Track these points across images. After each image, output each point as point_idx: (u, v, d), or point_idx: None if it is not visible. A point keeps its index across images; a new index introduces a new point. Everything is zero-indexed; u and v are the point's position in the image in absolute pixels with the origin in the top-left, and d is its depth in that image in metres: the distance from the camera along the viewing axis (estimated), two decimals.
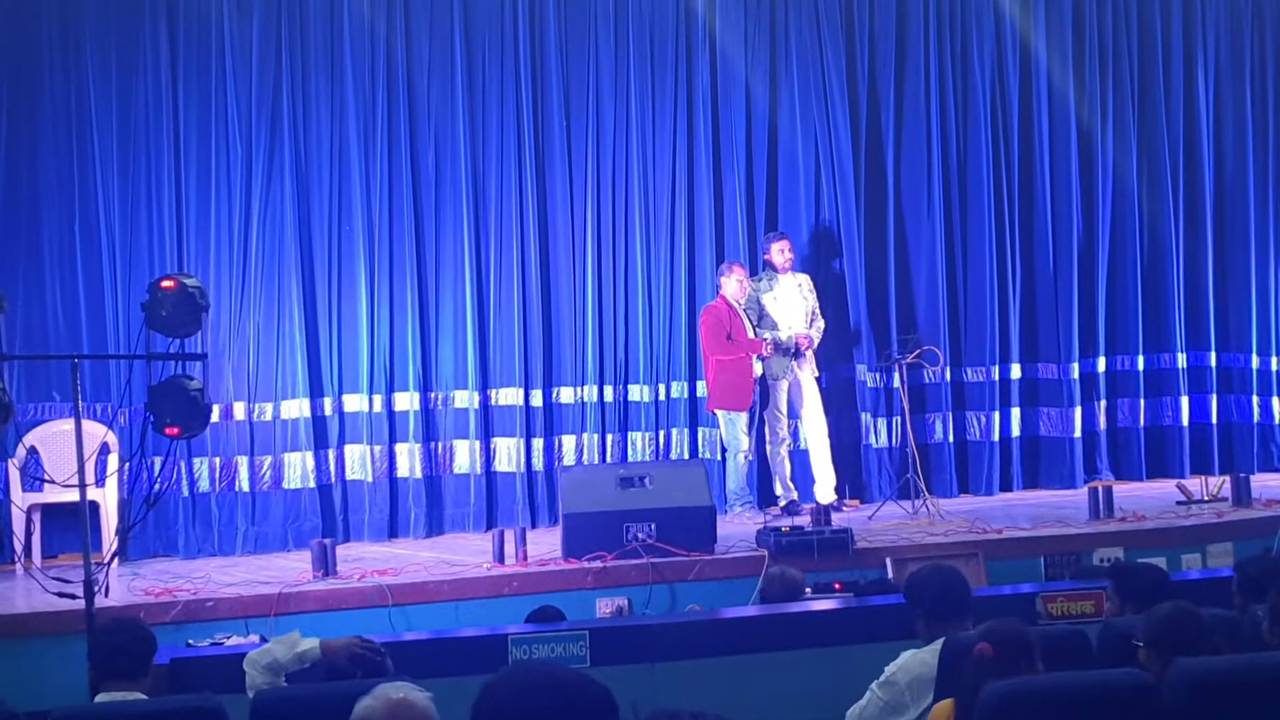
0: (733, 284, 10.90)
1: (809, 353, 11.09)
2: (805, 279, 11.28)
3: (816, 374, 11.22)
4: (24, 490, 9.66)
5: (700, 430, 11.55)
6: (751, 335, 10.85)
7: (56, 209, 10.43)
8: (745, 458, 10.88)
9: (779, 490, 11.13)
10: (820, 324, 11.21)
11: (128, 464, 9.64)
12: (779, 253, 11.09)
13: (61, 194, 10.44)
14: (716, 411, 10.96)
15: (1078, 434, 12.15)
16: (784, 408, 11.09)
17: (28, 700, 6.02)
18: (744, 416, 10.85)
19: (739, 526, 10.19)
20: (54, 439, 9.66)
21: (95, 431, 9.09)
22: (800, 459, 11.26)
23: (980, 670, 4.65)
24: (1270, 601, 5.23)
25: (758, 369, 10.90)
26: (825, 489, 11.08)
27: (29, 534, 9.64)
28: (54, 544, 9.97)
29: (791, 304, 11.10)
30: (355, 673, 5.39)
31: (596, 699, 3.09)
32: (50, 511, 9.78)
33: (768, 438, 11.14)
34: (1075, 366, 12.21)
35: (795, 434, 11.29)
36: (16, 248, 10.36)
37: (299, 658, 5.41)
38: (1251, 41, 12.76)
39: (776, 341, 10.94)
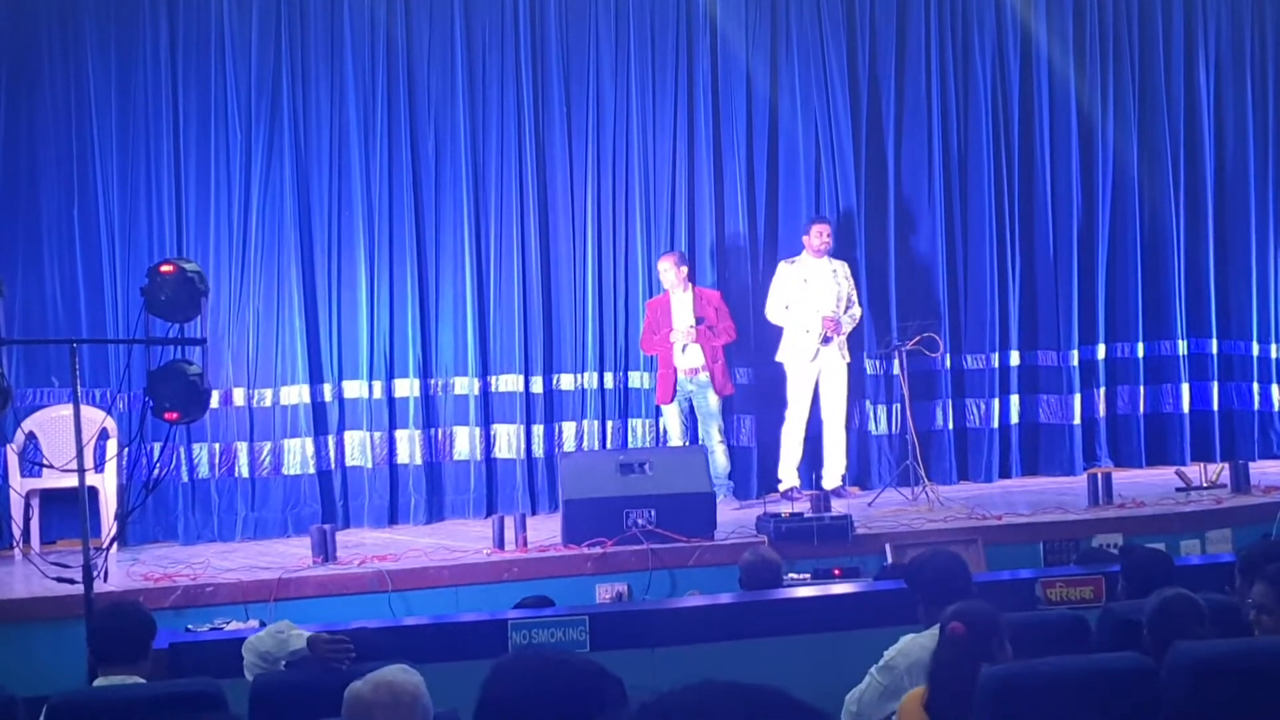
0: (668, 275, 10.95)
1: (838, 339, 11.04)
2: (842, 265, 11.24)
3: (847, 360, 11.19)
4: (23, 476, 9.65)
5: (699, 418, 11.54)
6: (682, 324, 10.84)
7: (56, 194, 10.42)
8: None
9: (782, 474, 11.12)
10: (855, 311, 11.18)
11: (126, 449, 9.63)
12: (817, 235, 11.06)
13: (61, 179, 10.43)
14: (661, 404, 11.07)
15: (1077, 421, 12.16)
16: (805, 393, 11.07)
17: (27, 685, 6.03)
18: (670, 409, 10.94)
19: (738, 513, 10.21)
20: (52, 424, 9.65)
21: (94, 417, 9.08)
22: (812, 444, 11.22)
23: (953, 649, 4.68)
24: (1256, 590, 5.23)
25: (684, 360, 10.85)
26: (833, 474, 11.11)
27: (28, 519, 9.64)
28: (53, 529, 9.97)
29: (823, 288, 11.04)
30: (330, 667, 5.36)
31: (607, 688, 3.08)
32: (49, 497, 9.78)
33: (786, 419, 11.14)
34: (1075, 354, 12.20)
35: (812, 421, 11.24)
36: (15, 233, 10.35)
37: (289, 653, 5.41)
38: (1252, 28, 12.75)
39: (800, 330, 10.92)
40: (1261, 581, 5.22)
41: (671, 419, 10.99)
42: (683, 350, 10.83)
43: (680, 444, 10.88)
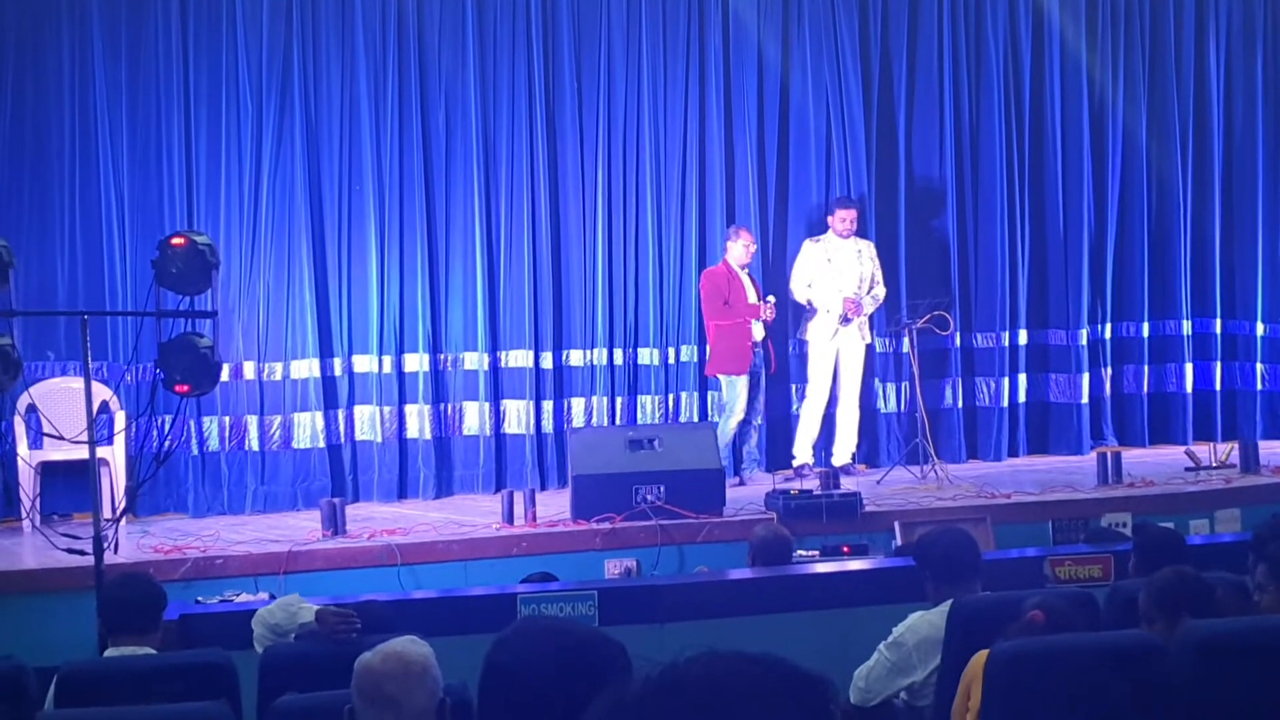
0: (738, 248, 10.89)
1: (857, 319, 11.04)
2: (867, 246, 11.25)
3: (867, 341, 11.22)
4: (30, 448, 9.66)
5: (709, 394, 11.54)
6: (754, 300, 10.82)
7: (66, 166, 10.39)
8: (734, 423, 10.84)
9: (797, 449, 11.14)
10: (879, 292, 11.19)
11: (134, 423, 9.63)
12: (841, 220, 11.06)
13: (70, 151, 10.40)
14: (718, 375, 10.96)
15: (1085, 400, 12.15)
16: (825, 372, 11.08)
17: (38, 655, 6.05)
18: (743, 380, 10.83)
19: (746, 489, 10.22)
20: (50, 397, 9.60)
21: (95, 391, 9.07)
22: (824, 421, 11.22)
23: (1029, 636, 4.69)
24: (1259, 570, 5.24)
25: (758, 333, 10.84)
26: (843, 451, 11.13)
27: (38, 491, 9.64)
28: (60, 502, 9.96)
29: (846, 268, 11.05)
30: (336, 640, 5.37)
31: (610, 654, 3.09)
32: (52, 469, 9.77)
33: (807, 396, 11.14)
34: (1084, 333, 12.19)
35: (832, 400, 11.24)
36: (24, 205, 10.32)
37: (298, 626, 5.44)
38: (1264, 4, 12.69)
39: (812, 307, 10.93)
40: (1262, 562, 5.23)
41: (745, 390, 10.93)
42: (761, 323, 10.86)
43: (740, 417, 10.85)
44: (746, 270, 10.98)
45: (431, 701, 3.71)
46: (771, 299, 10.87)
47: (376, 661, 3.73)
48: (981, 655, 4.77)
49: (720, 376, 10.95)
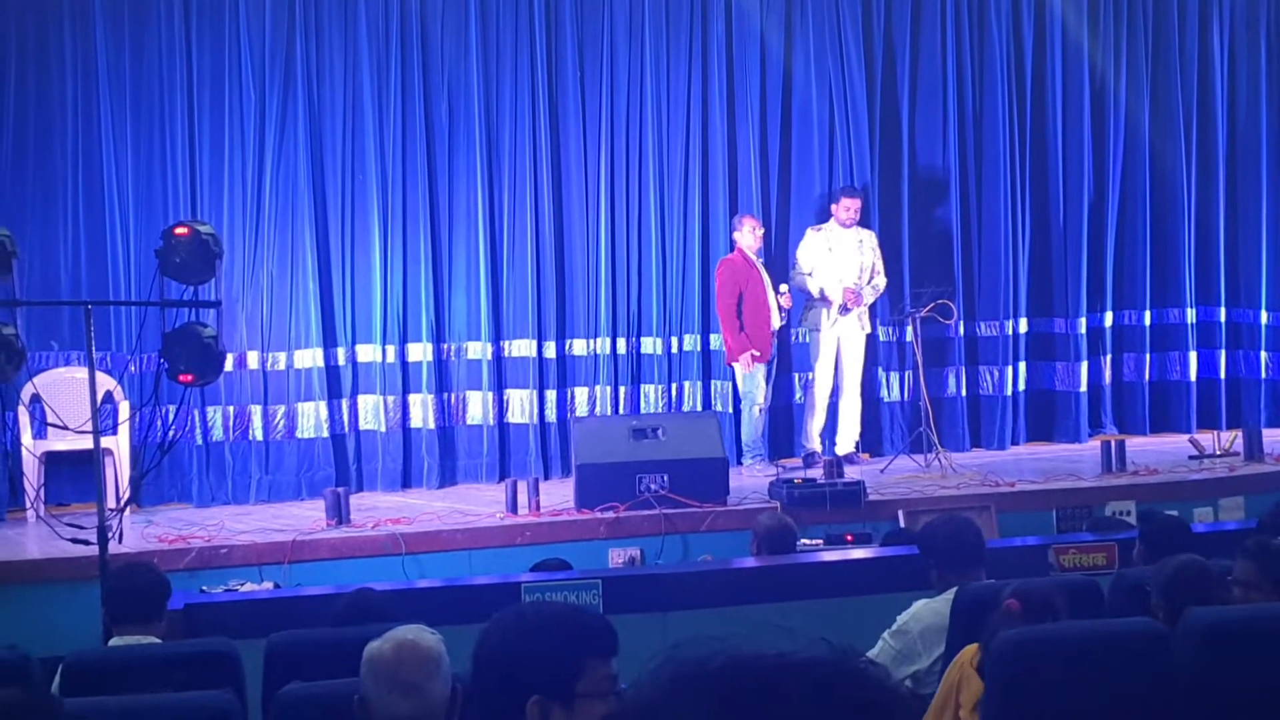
0: (746, 235, 10.92)
1: (856, 309, 11.06)
2: (869, 235, 11.27)
3: (866, 330, 11.23)
4: (35, 438, 9.66)
5: (713, 383, 11.54)
6: (769, 287, 10.82)
7: (69, 156, 10.39)
8: (759, 410, 10.90)
9: (803, 439, 11.15)
10: (879, 282, 11.21)
11: (138, 413, 9.62)
12: (845, 209, 11.10)
13: (74, 141, 10.39)
14: (734, 364, 10.96)
15: (1084, 388, 12.14)
16: (828, 360, 11.10)
17: (42, 645, 6.06)
18: (761, 368, 10.86)
19: (751, 478, 10.22)
20: (55, 387, 9.59)
21: (99, 381, 9.07)
22: (830, 411, 11.24)
23: (1007, 626, 4.69)
24: (1239, 567, 5.22)
25: (776, 322, 10.89)
26: (846, 440, 11.14)
27: (42, 481, 9.65)
28: (64, 492, 9.96)
29: (846, 258, 11.07)
30: None
31: (593, 628, 3.11)
32: (55, 459, 9.77)
33: (813, 385, 11.17)
34: (1083, 321, 12.18)
35: (834, 389, 11.25)
36: (27, 195, 10.32)
37: None
38: None
39: (824, 297, 10.96)
40: (1243, 558, 5.20)
41: (763, 378, 10.96)
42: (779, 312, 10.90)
43: (762, 404, 10.90)
44: (760, 258, 11.00)
45: (446, 688, 3.69)
46: (785, 287, 10.90)
47: (389, 649, 3.69)
48: (969, 650, 4.78)
49: (738, 365, 10.96)
